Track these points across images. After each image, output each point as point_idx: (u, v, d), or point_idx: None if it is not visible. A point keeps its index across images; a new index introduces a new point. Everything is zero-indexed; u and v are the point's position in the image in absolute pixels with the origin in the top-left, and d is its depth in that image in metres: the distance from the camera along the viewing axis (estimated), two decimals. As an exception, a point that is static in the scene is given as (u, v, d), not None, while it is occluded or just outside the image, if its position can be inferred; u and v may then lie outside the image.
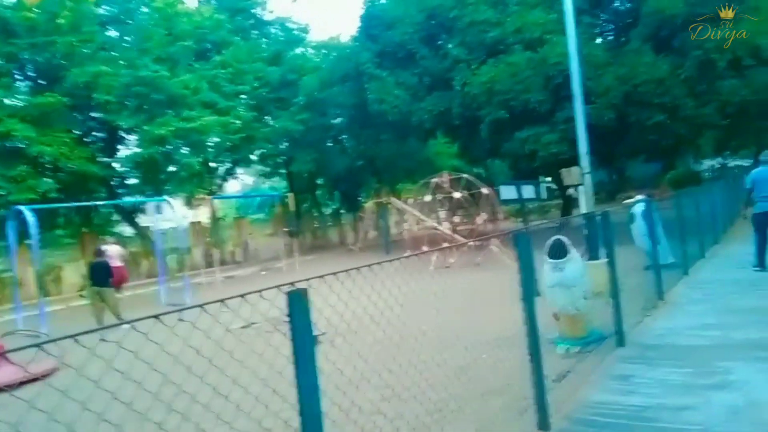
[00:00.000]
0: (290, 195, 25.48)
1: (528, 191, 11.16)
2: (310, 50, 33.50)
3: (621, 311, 6.26)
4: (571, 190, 13.96)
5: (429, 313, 7.01)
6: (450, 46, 20.14)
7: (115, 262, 14.21)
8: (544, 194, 12.63)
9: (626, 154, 18.13)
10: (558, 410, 4.30)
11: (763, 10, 16.82)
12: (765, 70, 16.30)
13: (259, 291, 2.12)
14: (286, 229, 24.88)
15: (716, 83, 16.33)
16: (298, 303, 2.09)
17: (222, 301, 1.97)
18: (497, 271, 12.65)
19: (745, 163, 26.67)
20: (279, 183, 39.93)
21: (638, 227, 10.68)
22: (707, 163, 29.81)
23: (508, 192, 10.62)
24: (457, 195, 17.71)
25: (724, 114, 16.52)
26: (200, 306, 2.02)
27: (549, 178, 21.67)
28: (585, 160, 9.88)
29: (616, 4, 18.97)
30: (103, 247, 13.12)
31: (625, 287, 6.64)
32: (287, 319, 2.12)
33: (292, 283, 2.18)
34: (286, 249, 22.16)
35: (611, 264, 6.45)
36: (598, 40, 19.46)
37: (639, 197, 12.23)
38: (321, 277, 2.44)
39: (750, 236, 9.90)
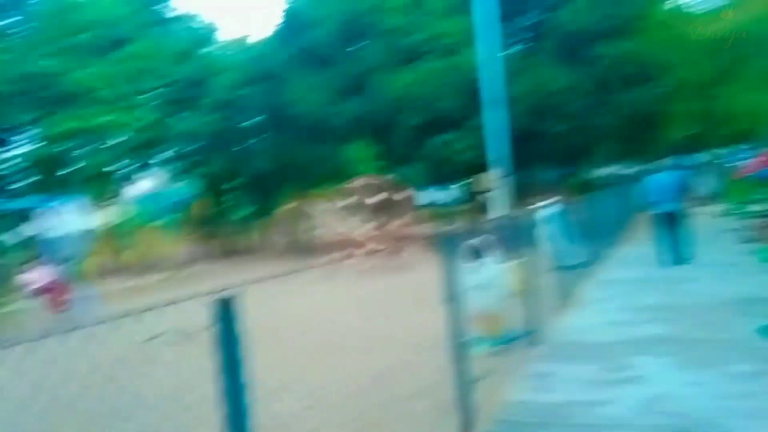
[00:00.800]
0: (201, 198, 24.53)
1: (444, 195, 11.39)
2: (221, 49, 32.49)
3: (535, 311, 6.49)
4: (483, 194, 14.54)
5: (349, 318, 6.93)
6: (369, 50, 20.22)
7: (49, 282, 12.88)
8: (459, 198, 12.98)
9: (534, 160, 19.04)
10: (480, 411, 4.35)
11: (654, 29, 18.35)
12: (654, 84, 17.73)
13: (182, 300, 1.94)
14: (195, 234, 23.91)
15: (614, 95, 17.52)
16: (225, 311, 1.94)
17: (140, 312, 1.78)
18: (415, 274, 12.80)
19: (636, 171, 28.76)
20: (189, 186, 38.30)
21: (548, 230, 11.18)
22: (604, 171, 31.73)
23: (425, 196, 10.78)
24: (374, 199, 17.76)
25: (621, 124, 17.77)
26: (115, 318, 1.82)
27: (466, 181, 22.17)
28: (499, 165, 10.22)
29: (528, 15, 19.89)
30: (30, 274, 12.00)
31: (537, 288, 6.90)
32: (207, 328, 1.96)
33: (217, 291, 2.02)
34: (195, 255, 21.29)
35: (525, 265, 6.68)
36: (511, 50, 20.26)
37: (548, 201, 12.80)
38: (247, 284, 2.29)
39: (649, 238, 10.72)
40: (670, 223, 10.08)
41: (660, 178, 10.37)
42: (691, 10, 26.98)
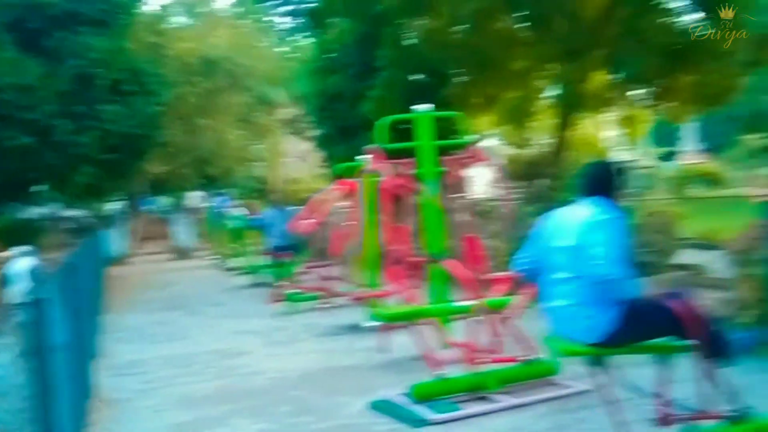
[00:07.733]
0: None
1: None
2: None
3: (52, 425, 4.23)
4: None
5: None
6: None
7: None
8: None
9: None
10: None
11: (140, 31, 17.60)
12: (150, 99, 16.70)
13: None
14: None
15: (97, 105, 15.56)
16: None
17: None
18: None
19: (100, 212, 25.99)
20: None
21: (22, 290, 8.69)
22: (38, 211, 27.71)
23: None
24: None
25: (105, 145, 15.83)
26: None
27: None
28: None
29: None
30: None
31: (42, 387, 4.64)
32: None
33: None
34: None
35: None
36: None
37: (21, 250, 10.35)
38: None
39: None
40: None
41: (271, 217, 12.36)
42: (169, 23, 27.49)
